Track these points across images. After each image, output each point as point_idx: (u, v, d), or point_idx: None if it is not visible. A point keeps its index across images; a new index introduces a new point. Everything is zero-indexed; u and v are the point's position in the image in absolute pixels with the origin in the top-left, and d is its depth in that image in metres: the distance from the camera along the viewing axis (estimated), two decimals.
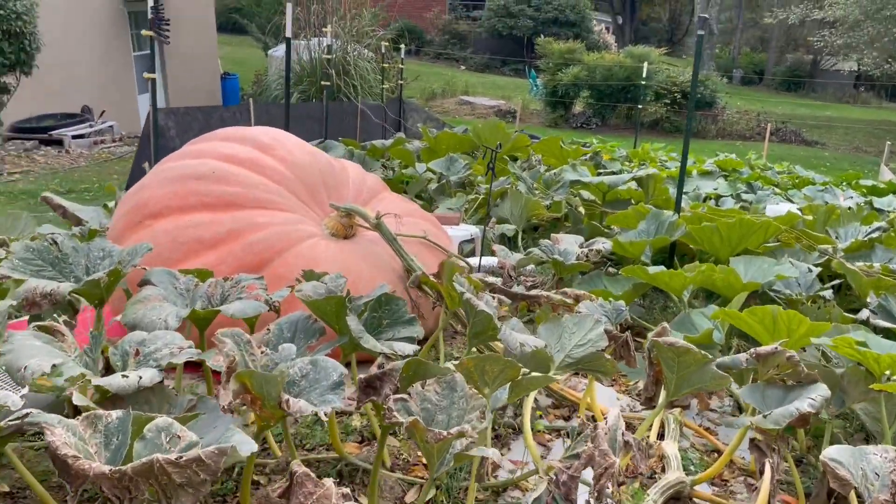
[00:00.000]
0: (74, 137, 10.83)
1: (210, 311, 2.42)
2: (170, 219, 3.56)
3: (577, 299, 3.35)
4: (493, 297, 2.97)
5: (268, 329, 2.47)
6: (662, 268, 4.26)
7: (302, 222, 3.72)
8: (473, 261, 5.00)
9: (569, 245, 4.79)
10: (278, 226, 3.59)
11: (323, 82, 10.03)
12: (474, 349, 2.87)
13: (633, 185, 6.41)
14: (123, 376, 1.97)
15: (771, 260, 4.38)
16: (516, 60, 33.13)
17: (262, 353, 2.17)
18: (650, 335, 3.54)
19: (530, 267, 5.02)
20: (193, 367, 3.27)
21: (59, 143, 10.69)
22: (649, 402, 3.68)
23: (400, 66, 12.79)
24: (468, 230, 5.37)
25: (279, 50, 16.79)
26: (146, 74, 5.94)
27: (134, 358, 2.16)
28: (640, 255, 4.88)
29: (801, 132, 21.16)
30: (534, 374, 2.41)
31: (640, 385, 3.92)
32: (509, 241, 5.96)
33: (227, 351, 2.06)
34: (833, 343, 3.10)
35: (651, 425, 2.98)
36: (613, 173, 9.01)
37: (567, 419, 3.41)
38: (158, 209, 3.59)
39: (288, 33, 5.83)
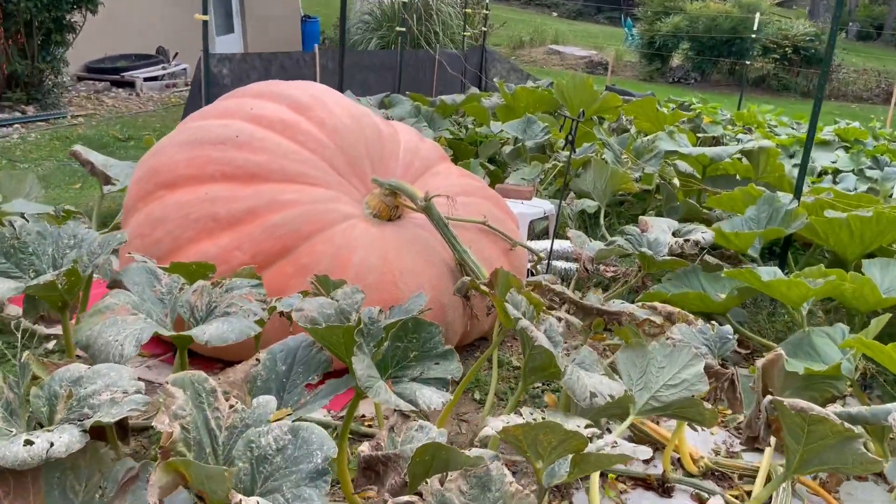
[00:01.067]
0: (147, 80, 10.54)
1: (178, 336, 1.85)
2: (185, 190, 3.02)
3: (670, 318, 2.64)
4: (559, 320, 2.30)
5: (256, 359, 1.89)
6: (777, 271, 3.46)
7: (337, 200, 3.12)
8: (544, 245, 4.31)
9: (660, 233, 4.03)
10: (307, 204, 2.99)
11: (398, 28, 9.32)
12: (532, 387, 2.22)
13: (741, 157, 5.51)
14: (27, 442, 1.43)
15: None
16: (612, 7, 31.31)
17: (230, 408, 1.59)
18: (759, 363, 2.81)
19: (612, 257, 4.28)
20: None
21: (130, 84, 10.43)
22: (752, 443, 2.96)
23: (484, 11, 11.90)
24: (542, 206, 4.66)
25: None
26: (197, 16, 5.41)
27: (64, 402, 1.61)
28: (747, 249, 4.07)
29: None
30: (604, 449, 1.74)
31: (741, 416, 3.20)
32: (590, 219, 5.21)
33: (176, 410, 1.48)
34: None
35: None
36: (715, 140, 8.04)
37: (648, 461, 2.74)
38: (172, 178, 3.06)
39: None
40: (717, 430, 3.06)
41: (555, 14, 32.59)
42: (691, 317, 2.63)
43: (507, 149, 6.10)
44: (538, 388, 3.04)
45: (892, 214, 3.61)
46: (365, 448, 1.61)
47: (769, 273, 3.35)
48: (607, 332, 2.84)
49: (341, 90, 5.65)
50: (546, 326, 2.24)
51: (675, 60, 20.43)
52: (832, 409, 2.59)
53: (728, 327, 2.57)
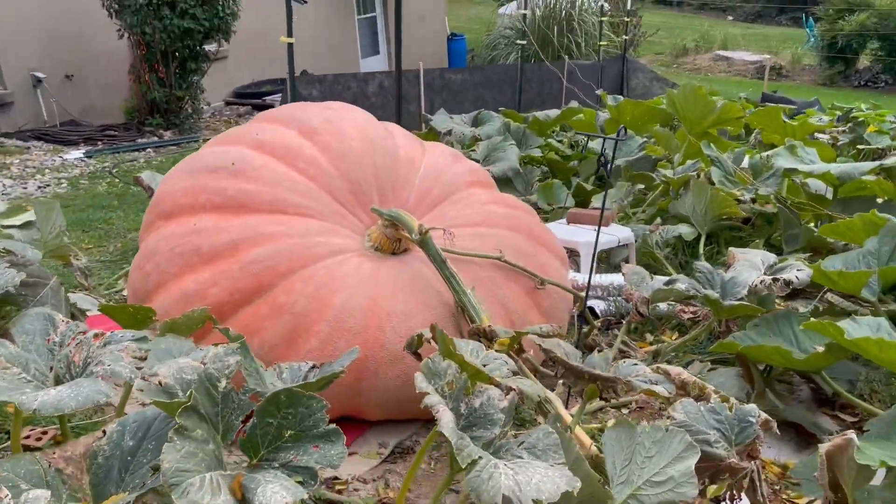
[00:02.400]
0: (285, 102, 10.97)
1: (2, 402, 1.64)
2: (178, 221, 2.88)
3: (684, 388, 2.08)
4: (508, 391, 1.85)
5: (103, 432, 1.64)
6: (881, 324, 2.72)
7: (331, 233, 2.84)
8: (610, 279, 3.77)
9: (745, 270, 3.35)
10: (293, 237, 2.74)
11: (518, 41, 8.94)
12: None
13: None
14: None
15: None
16: (796, 7, 28.76)
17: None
18: (822, 449, 2.17)
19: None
20: None
21: (271, 107, 10.90)
22: None
23: (625, 18, 11.20)
24: (616, 233, 4.10)
25: (509, 7, 15.90)
26: (283, 39, 5.40)
27: None
28: (860, 291, 3.29)
29: None
30: None
31: None
32: (687, 248, 4.54)
33: None
34: None
35: None
36: (879, 152, 6.89)
37: None
38: (170, 208, 2.93)
39: None
40: None
41: (730, 18, 30.51)
42: (709, 389, 2.05)
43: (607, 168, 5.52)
44: None
45: None
46: None
47: (862, 327, 2.62)
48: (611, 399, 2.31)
49: (398, 107, 5.39)
50: (483, 400, 1.80)
51: (863, 62, 18.23)
52: None
53: (752, 406, 1.97)
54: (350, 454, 2.66)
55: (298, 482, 1.54)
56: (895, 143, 7.16)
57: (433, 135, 5.89)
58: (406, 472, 2.55)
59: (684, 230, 4.38)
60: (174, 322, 2.34)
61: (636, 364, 2.26)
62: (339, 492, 2.46)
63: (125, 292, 3.97)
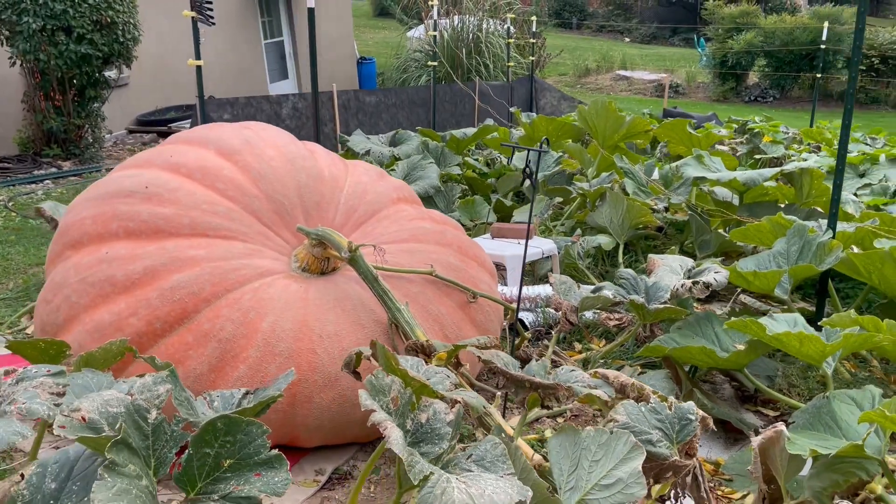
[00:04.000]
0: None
1: None
2: (87, 250, 2.72)
3: (623, 391, 2.10)
4: (454, 404, 1.81)
5: (21, 475, 1.50)
6: (797, 319, 2.83)
7: (255, 255, 2.74)
8: (538, 290, 3.80)
9: (665, 275, 3.45)
10: (215, 261, 2.63)
11: (429, 63, 9.02)
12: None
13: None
14: None
15: None
16: (687, 28, 30.29)
17: None
18: (755, 442, 2.23)
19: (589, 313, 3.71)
20: None
21: None
22: None
23: (531, 41, 11.47)
24: (541, 246, 4.15)
25: (417, 31, 16.03)
26: (191, 62, 5.24)
27: None
28: (773, 290, 3.44)
29: None
30: None
31: (748, 501, 2.58)
32: (607, 258, 4.65)
33: None
34: None
35: None
36: (775, 161, 7.29)
37: None
38: (78, 236, 2.76)
39: None
40: None
41: (627, 39, 31.84)
42: (648, 389, 2.08)
43: (528, 182, 5.61)
44: None
45: None
46: None
47: (781, 323, 2.73)
48: (551, 408, 2.31)
49: (316, 128, 5.32)
50: (429, 414, 1.76)
51: (752, 78, 19.33)
52: None
53: (690, 405, 2.00)
54: None
55: None
56: (790, 151, 7.61)
57: (351, 155, 5.84)
58: (346, 498, 2.47)
59: (603, 240, 4.48)
60: (90, 355, 2.20)
61: (573, 370, 2.27)
62: None
63: (30, 330, 3.72)
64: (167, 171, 2.86)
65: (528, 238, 3.09)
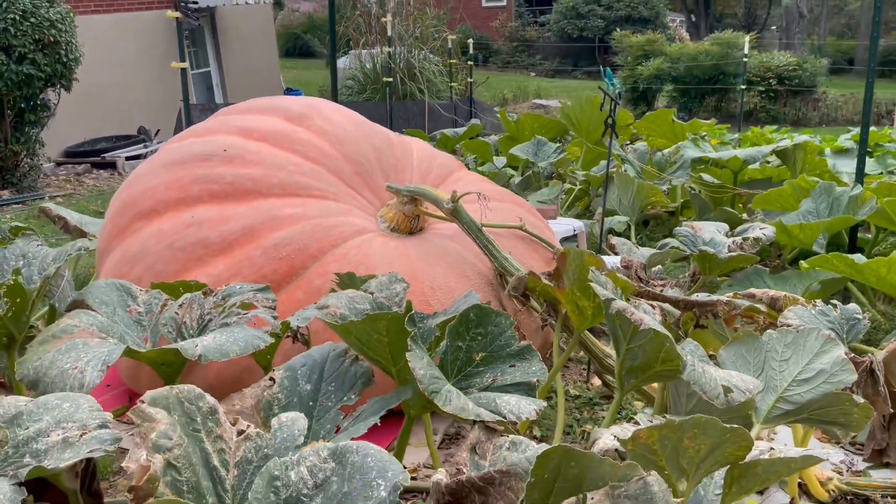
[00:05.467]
0: (129, 159, 10.17)
1: (160, 352, 1.33)
2: (165, 217, 2.54)
3: (774, 305, 2.13)
4: (654, 307, 1.79)
5: (270, 379, 1.37)
6: (861, 257, 2.98)
7: (349, 213, 2.64)
8: (600, 242, 3.81)
9: (713, 234, 3.55)
10: (314, 219, 2.51)
11: (385, 79, 9.05)
12: (631, 396, 1.70)
13: (772, 163, 5.10)
14: None
15: None
16: (587, 62, 31.71)
17: (240, 435, 1.06)
18: (879, 356, 2.29)
19: (657, 268, 3.79)
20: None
21: (112, 165, 10.06)
22: (878, 457, 2.45)
23: (469, 63, 11.71)
24: (570, 224, 4.19)
25: (343, 61, 16.05)
26: (174, 64, 5.05)
27: None
28: (812, 244, 3.59)
29: None
30: (772, 452, 1.22)
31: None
32: (619, 237, 4.73)
33: (157, 440, 0.96)
34: None
35: None
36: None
37: (762, 491, 2.18)
38: (151, 205, 2.58)
39: None
40: (829, 447, 2.50)
41: (533, 74, 32.96)
42: (801, 299, 2.12)
43: (516, 180, 5.67)
44: (595, 412, 2.50)
45: None
46: (442, 476, 1.07)
47: (860, 257, 2.86)
48: (701, 329, 2.32)
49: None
50: (643, 309, 1.73)
51: (660, 103, 20.38)
52: None
53: (854, 305, 2.06)
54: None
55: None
56: (739, 150, 8.01)
57: None
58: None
59: (619, 219, 4.57)
60: None
61: (708, 295, 2.29)
62: (413, 479, 2.23)
63: None
64: (240, 137, 2.73)
65: (605, 194, 3.11)
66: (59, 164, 10.23)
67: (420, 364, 1.19)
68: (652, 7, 31.88)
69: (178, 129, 5.51)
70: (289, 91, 15.95)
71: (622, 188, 4.68)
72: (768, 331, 1.92)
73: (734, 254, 3.11)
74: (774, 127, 10.93)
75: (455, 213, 2.57)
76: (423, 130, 9.90)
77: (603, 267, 1.86)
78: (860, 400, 1.73)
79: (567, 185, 5.17)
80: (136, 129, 11.51)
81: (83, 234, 3.76)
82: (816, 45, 43.44)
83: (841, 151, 7.45)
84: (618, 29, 22.43)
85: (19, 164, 7.88)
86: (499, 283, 2.60)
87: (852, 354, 1.97)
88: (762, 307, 2.10)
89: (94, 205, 7.21)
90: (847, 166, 6.94)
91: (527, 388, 1.39)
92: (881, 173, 6.51)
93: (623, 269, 3.40)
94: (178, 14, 4.87)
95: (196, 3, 5.06)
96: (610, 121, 2.91)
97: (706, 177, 5.45)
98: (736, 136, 8.96)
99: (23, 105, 7.54)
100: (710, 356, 1.91)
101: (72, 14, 7.73)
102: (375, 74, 13.39)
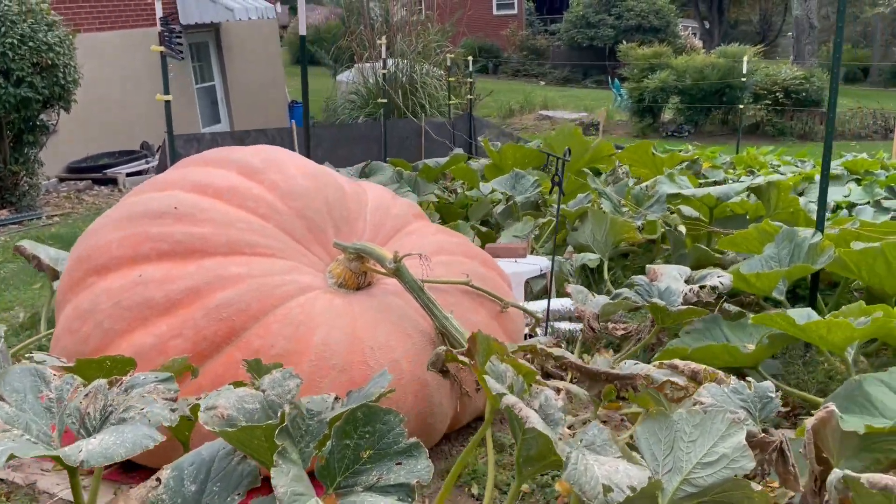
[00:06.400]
0: (130, 175, 10.31)
1: (58, 459, 1.39)
2: (117, 274, 2.61)
3: (695, 378, 2.17)
4: (559, 392, 1.83)
5: (156, 479, 1.43)
6: (811, 313, 3.00)
7: (295, 271, 2.70)
8: (542, 306, 3.86)
9: (671, 280, 3.58)
10: (258, 278, 2.57)
11: (379, 100, 9.13)
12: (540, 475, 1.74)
13: (750, 196, 5.11)
14: None
15: None
16: (598, 71, 31.71)
17: None
18: (809, 424, 2.32)
19: (619, 313, 3.83)
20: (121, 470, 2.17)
21: (113, 181, 10.20)
22: None
23: (469, 80, 11.78)
24: (537, 263, 4.24)
25: (346, 75, 16.17)
26: (158, 97, 5.14)
27: None
28: (771, 291, 3.62)
29: None
30: None
31: (801, 482, 2.67)
32: (592, 274, 4.77)
33: None
34: None
35: None
36: (717, 183, 7.66)
37: None
38: (104, 261, 2.65)
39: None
40: None
41: (542, 83, 32.99)
42: (721, 374, 2.16)
43: (499, 208, 5.72)
44: (547, 475, 2.54)
45: None
46: None
47: (803, 315, 2.88)
48: (622, 401, 2.36)
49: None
50: (541, 401, 1.77)
51: (667, 115, 20.35)
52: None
53: (768, 383, 2.10)
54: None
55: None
56: (730, 175, 8.03)
57: None
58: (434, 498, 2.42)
59: (590, 257, 4.60)
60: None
61: (636, 363, 2.33)
62: None
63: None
64: (194, 192, 2.80)
65: (519, 254, 3.16)
66: (61, 179, 10.41)
67: (283, 481, 1.25)
68: (662, 16, 31.86)
69: (161, 160, 5.61)
70: (294, 104, 16.09)
71: (595, 224, 4.71)
72: (679, 410, 1.96)
73: (684, 308, 3.14)
74: (771, 147, 10.93)
75: (397, 273, 2.62)
76: (419, 150, 9.98)
77: (505, 352, 1.91)
78: (757, 488, 1.76)
79: (547, 219, 5.21)
80: (140, 144, 11.68)
81: (56, 275, 3.85)
82: (829, 56, 42.88)
83: (833, 178, 7.44)
84: (623, 42, 22.43)
85: (18, 184, 8.04)
86: (440, 341, 2.65)
87: (762, 434, 2.01)
88: (682, 380, 2.13)
89: (89, 224, 7.34)
90: (836, 194, 6.94)
91: (405, 491, 1.44)
92: (868, 202, 6.50)
93: (575, 316, 3.45)
94: (161, 48, 4.96)
95: (180, 38, 5.15)
96: (556, 179, 2.95)
97: (686, 209, 5.48)
98: (727, 159, 8.96)
99: (21, 126, 7.70)
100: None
101: (70, 37, 7.88)
102: (378, 89, 13.49)
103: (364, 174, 5.95)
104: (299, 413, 1.52)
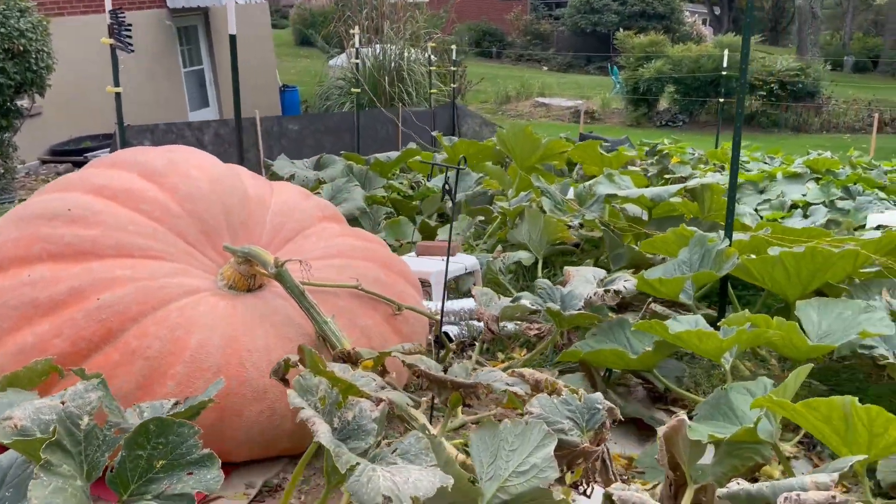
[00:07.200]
0: None
1: None
2: (9, 273, 2.70)
3: (537, 387, 2.25)
4: (379, 402, 1.92)
5: None
6: (699, 321, 3.07)
7: (182, 273, 2.79)
8: (465, 304, 3.95)
9: (582, 283, 3.65)
10: (141, 281, 2.66)
11: (352, 90, 9.18)
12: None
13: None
14: None
15: (857, 304, 3.10)
16: (601, 57, 31.54)
17: None
18: (661, 432, 2.41)
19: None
20: None
21: None
22: None
23: (452, 68, 11.79)
24: (464, 262, 4.31)
25: (338, 59, 16.19)
26: (109, 89, 5.22)
27: None
28: (678, 296, 3.69)
29: None
30: None
31: (658, 490, 2.77)
32: (526, 273, 4.85)
33: None
34: None
35: None
36: (682, 180, 7.70)
37: None
38: None
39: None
40: None
41: (545, 68, 32.84)
42: (560, 384, 2.24)
43: (450, 203, 5.78)
44: None
45: (824, 250, 3.22)
46: None
47: (683, 324, 2.96)
48: (468, 408, 2.45)
49: (240, 152, 5.36)
50: (355, 412, 1.86)
51: (662, 104, 20.28)
52: (735, 485, 2.19)
53: (598, 395, 2.17)
54: (216, 498, 2.60)
55: None
56: (696, 171, 8.06)
57: (275, 179, 5.89)
58: None
59: (523, 255, 4.68)
60: (15, 375, 2.21)
61: (493, 371, 2.42)
62: None
63: None
64: (90, 194, 2.89)
65: (448, 254, 3.24)
66: (43, 162, 10.54)
67: (40, 493, 1.33)
68: (667, 3, 31.59)
69: (112, 152, 5.68)
70: (285, 88, 16.13)
71: (531, 223, 4.78)
72: (504, 420, 2.05)
73: (575, 312, 3.22)
74: (746, 142, 10.90)
75: (278, 278, 2.71)
76: (396, 140, 10.03)
77: (323, 364, 1.99)
78: (559, 497, 1.85)
79: (495, 214, 5.28)
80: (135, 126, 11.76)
81: None
82: (841, 44, 42.49)
83: (794, 176, 7.47)
84: (621, 29, 22.30)
85: None
86: (322, 345, 2.74)
87: (586, 445, 2.09)
88: (524, 391, 2.22)
89: None
90: (795, 192, 6.97)
91: (187, 500, 1.54)
92: (823, 202, 6.54)
93: (477, 322, 3.53)
94: (111, 41, 5.03)
95: (129, 31, 5.20)
96: (448, 187, 3.02)
97: (632, 208, 5.53)
98: (696, 154, 8.97)
99: None
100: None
101: (44, 23, 7.94)
102: (366, 75, 13.51)
103: (318, 167, 6.02)
104: (97, 425, 1.62)
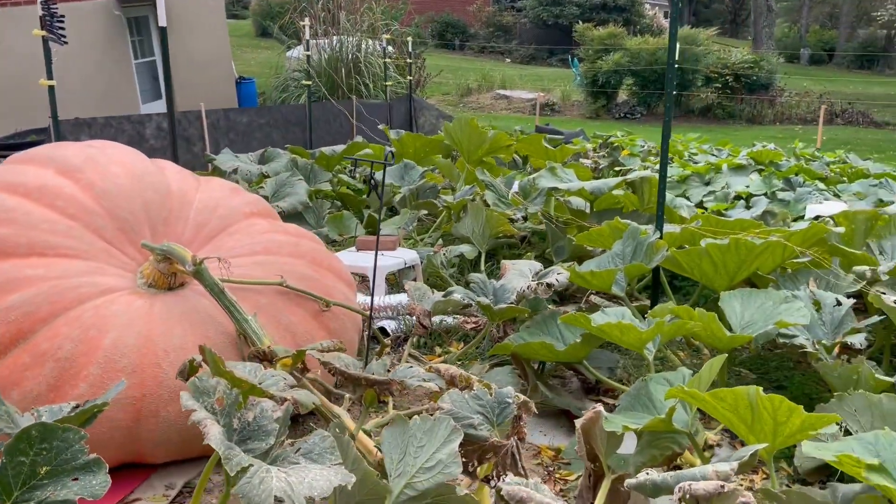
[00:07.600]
0: None
1: None
2: None
3: (453, 382, 2.25)
4: (283, 402, 1.90)
5: None
6: (625, 313, 3.09)
7: (99, 272, 2.73)
8: (398, 299, 3.93)
9: (515, 278, 3.67)
10: (52, 280, 2.60)
11: (304, 82, 9.08)
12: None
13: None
14: None
15: (778, 294, 3.16)
16: (562, 50, 31.68)
17: None
18: (578, 424, 2.43)
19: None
20: None
21: None
22: None
23: (408, 60, 11.74)
24: (403, 256, 4.30)
25: (295, 51, 16.00)
26: (42, 81, 5.08)
27: None
28: (609, 288, 3.71)
29: (871, 113, 19.04)
30: None
31: (579, 482, 2.79)
32: (471, 266, 4.85)
33: None
34: (836, 458, 1.95)
35: None
36: (630, 171, 7.77)
37: None
38: None
39: None
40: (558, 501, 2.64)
41: (508, 60, 32.89)
42: (474, 379, 2.24)
43: (398, 197, 5.76)
44: None
45: (750, 242, 3.27)
46: None
47: (609, 316, 2.98)
48: (383, 404, 2.44)
49: (174, 147, 5.26)
50: (256, 413, 1.84)
51: (621, 96, 20.45)
52: (644, 475, 2.21)
53: (508, 389, 2.18)
54: (135, 500, 2.56)
55: None
56: (646, 163, 8.14)
57: (218, 174, 5.81)
58: None
59: (466, 249, 4.68)
60: None
61: (411, 367, 2.41)
62: None
63: None
64: (3, 192, 2.81)
65: (377, 249, 3.22)
66: None
67: None
68: None
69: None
70: (241, 80, 15.89)
71: (474, 216, 4.78)
72: (415, 416, 2.04)
73: (504, 306, 3.23)
74: (697, 134, 11.05)
75: (197, 276, 2.67)
76: (350, 133, 9.96)
77: (223, 366, 1.97)
78: (462, 492, 1.85)
79: (440, 209, 5.27)
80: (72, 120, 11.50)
81: None
82: (797, 36, 43.23)
83: (738, 168, 7.58)
84: (580, 22, 22.43)
85: None
86: (243, 343, 2.71)
87: (495, 439, 2.10)
88: (438, 387, 2.21)
89: None
90: (739, 184, 7.08)
91: None
92: (765, 193, 6.65)
93: (408, 314, 3.52)
94: (43, 33, 4.90)
95: (62, 22, 5.06)
96: (373, 182, 3.00)
97: (576, 200, 5.56)
98: (646, 146, 9.07)
99: None
100: None
101: None
102: (321, 67, 13.39)
103: (262, 161, 5.95)
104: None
